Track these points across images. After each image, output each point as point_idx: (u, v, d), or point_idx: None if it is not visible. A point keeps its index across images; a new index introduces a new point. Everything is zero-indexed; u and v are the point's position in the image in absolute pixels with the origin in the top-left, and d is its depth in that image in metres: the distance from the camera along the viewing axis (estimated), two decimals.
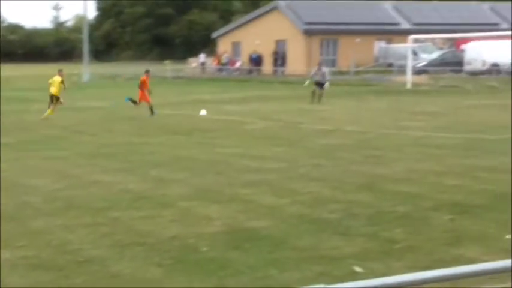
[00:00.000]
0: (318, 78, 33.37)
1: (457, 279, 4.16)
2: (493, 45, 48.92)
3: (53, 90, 27.36)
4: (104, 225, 10.25)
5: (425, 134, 20.71)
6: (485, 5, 70.39)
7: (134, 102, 28.26)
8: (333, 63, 60.35)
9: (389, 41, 61.11)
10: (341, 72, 56.10)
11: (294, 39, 61.24)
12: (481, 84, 42.85)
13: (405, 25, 63.32)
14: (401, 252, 8.82)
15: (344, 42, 60.78)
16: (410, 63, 45.91)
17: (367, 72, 55.41)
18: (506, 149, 17.19)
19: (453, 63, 50.09)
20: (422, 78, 46.97)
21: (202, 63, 70.10)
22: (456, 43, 56.95)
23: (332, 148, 18.04)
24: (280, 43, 63.06)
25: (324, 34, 61.04)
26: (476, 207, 11.07)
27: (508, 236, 9.33)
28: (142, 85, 27.98)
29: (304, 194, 12.27)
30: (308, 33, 60.29)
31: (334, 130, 22.08)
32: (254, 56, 64.00)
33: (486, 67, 48.46)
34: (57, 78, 27.74)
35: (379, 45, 61.31)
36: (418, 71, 49.25)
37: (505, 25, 64.16)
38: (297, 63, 59.55)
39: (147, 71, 29.29)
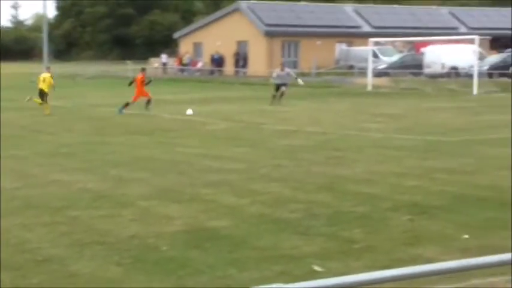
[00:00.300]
0: (280, 80, 33.18)
1: (414, 279, 4.21)
2: (452, 49, 49.51)
3: (44, 85, 28.37)
4: (63, 224, 10.17)
5: (385, 135, 20.88)
6: (444, 9, 71.26)
7: (126, 104, 28.53)
8: (294, 65, 60.53)
9: (350, 44, 61.49)
10: (303, 74, 56.08)
11: (256, 41, 61.32)
12: (440, 87, 43.31)
13: (366, 28, 63.80)
14: (360, 252, 8.88)
15: (305, 44, 61.03)
16: (370, 66, 46.27)
17: (328, 74, 55.68)
18: (464, 151, 17.44)
19: (413, 66, 50.53)
20: (383, 81, 47.35)
21: (164, 64, 69.87)
22: (416, 46, 57.50)
23: (293, 149, 18.11)
24: (241, 44, 63.10)
25: (285, 36, 61.22)
26: (434, 208, 11.20)
27: (466, 236, 9.46)
28: (138, 83, 29.09)
29: (265, 194, 12.30)
30: (269, 34, 60.42)
31: (295, 131, 22.16)
32: (216, 56, 63.95)
33: (445, 70, 49.00)
34: (47, 75, 28.97)
35: (340, 48, 61.66)
36: (378, 74, 49.64)
37: (463, 29, 65.05)
38: (258, 64, 59.65)
39: (143, 69, 30.83)
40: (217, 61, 63.80)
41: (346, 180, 13.55)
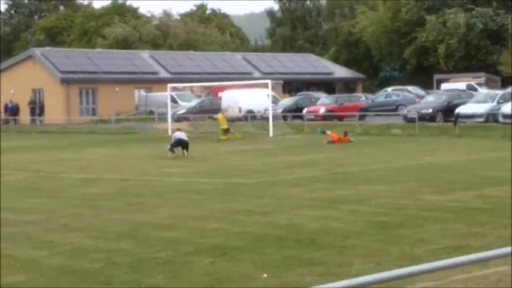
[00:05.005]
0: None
1: None
2: (248, 93, 51.04)
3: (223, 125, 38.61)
4: None
5: (186, 179, 21.07)
6: (239, 55, 73.63)
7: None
8: (93, 112, 60.03)
9: (148, 90, 61.78)
10: (102, 121, 55.84)
11: (51, 88, 60.08)
12: (238, 130, 44.39)
13: (163, 74, 64.47)
14: None
15: (103, 91, 60.58)
16: (170, 111, 46.66)
17: (128, 120, 55.54)
18: (262, 192, 17.95)
19: (211, 110, 51.50)
20: (183, 125, 47.81)
21: None
22: (214, 91, 58.75)
23: (93, 197, 17.82)
24: (37, 92, 61.62)
25: (83, 83, 60.54)
26: (235, 249, 11.41)
27: (265, 275, 9.72)
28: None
29: (65, 245, 12.00)
30: (65, 82, 59.43)
31: (95, 179, 21.83)
32: (10, 105, 61.94)
33: (242, 113, 50.34)
34: (221, 116, 39.47)
35: (139, 94, 61.78)
36: (178, 119, 50.16)
37: (257, 74, 67.41)
38: (55, 112, 58.39)
39: (346, 133, 35.77)
40: (12, 110, 61.86)
41: (148, 226, 13.51)
